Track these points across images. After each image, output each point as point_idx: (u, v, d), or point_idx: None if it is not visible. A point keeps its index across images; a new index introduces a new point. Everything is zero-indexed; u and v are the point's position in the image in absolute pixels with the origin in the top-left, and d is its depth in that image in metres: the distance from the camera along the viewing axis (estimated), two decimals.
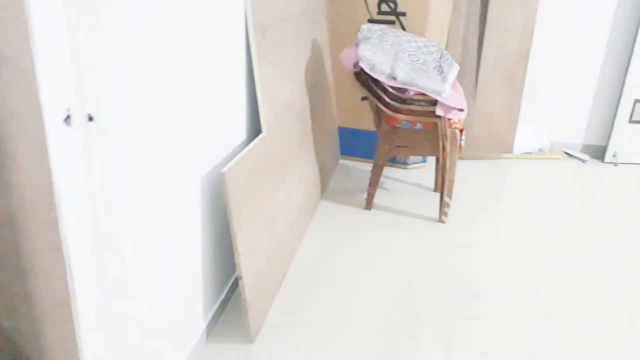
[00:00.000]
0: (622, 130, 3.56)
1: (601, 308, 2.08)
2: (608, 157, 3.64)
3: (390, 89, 2.48)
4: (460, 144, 2.70)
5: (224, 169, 1.57)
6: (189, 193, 1.54)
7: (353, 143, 3.57)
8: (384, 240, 2.55)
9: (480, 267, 2.35)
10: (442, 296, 2.12)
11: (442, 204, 2.69)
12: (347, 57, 2.57)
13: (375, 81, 2.54)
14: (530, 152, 3.77)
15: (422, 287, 2.18)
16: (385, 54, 2.47)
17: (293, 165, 2.33)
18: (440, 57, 2.54)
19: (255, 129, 2.07)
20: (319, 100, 2.91)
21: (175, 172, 1.44)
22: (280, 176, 2.12)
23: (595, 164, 3.66)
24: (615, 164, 3.63)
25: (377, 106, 2.65)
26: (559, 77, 3.63)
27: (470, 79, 3.51)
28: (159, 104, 1.30)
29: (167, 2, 1.30)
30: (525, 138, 3.72)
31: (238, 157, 1.66)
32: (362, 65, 2.45)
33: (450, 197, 2.68)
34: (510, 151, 3.72)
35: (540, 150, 3.80)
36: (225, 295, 1.96)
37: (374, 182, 2.79)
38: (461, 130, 2.62)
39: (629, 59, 3.41)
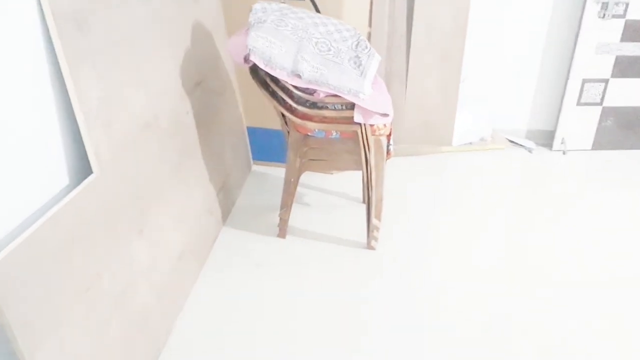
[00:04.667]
0: (570, 114, 3.15)
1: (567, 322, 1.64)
2: (556, 144, 3.24)
3: (295, 90, 1.89)
4: (388, 150, 2.17)
5: None
6: None
7: (268, 145, 2.97)
8: (298, 280, 2.01)
9: (420, 302, 1.85)
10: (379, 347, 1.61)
11: (370, 228, 2.16)
12: (235, 48, 1.94)
13: (276, 80, 1.94)
14: (471, 143, 3.32)
15: (351, 338, 1.66)
16: (285, 44, 1.87)
17: (160, 203, 1.71)
18: (356, 45, 1.97)
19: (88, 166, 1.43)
20: (210, 101, 2.28)
21: None
22: (136, 226, 1.50)
23: (542, 152, 3.25)
24: (564, 152, 3.24)
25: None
26: (499, 56, 3.16)
27: (400, 63, 2.97)
28: None
29: None
30: (464, 127, 3.26)
31: (20, 238, 1.03)
32: (254, 59, 1.84)
33: (379, 218, 2.15)
34: (448, 143, 3.24)
35: (482, 139, 3.36)
36: None
37: (286, 204, 2.22)
38: (388, 136, 2.09)
39: (577, 34, 2.97)
